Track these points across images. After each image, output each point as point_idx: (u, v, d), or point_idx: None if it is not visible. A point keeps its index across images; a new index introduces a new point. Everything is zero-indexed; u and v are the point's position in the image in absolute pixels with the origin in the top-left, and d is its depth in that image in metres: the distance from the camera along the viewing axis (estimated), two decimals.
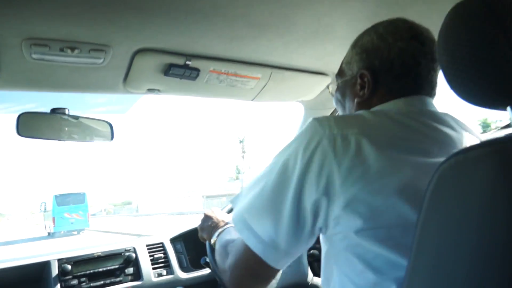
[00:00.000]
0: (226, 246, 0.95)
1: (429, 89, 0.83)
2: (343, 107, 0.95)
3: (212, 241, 1.12)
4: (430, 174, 0.56)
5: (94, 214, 39.68)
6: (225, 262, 0.88)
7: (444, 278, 0.51)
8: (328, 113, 1.85)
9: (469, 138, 0.79)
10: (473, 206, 0.49)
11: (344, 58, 0.93)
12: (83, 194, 21.63)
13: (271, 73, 1.40)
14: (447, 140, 0.74)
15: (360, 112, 0.78)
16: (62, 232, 20.56)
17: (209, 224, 1.21)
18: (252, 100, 1.61)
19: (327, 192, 0.68)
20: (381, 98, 0.83)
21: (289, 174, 0.71)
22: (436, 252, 0.53)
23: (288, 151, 0.73)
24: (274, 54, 1.29)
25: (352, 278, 0.70)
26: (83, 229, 20.99)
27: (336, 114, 1.86)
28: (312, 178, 0.69)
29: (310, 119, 0.75)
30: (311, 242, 0.76)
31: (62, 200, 20.55)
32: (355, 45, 0.89)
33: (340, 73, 0.94)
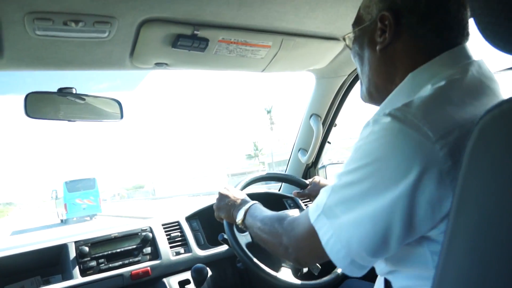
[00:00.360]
0: (272, 223, 0.92)
1: (461, 29, 0.74)
2: (362, 60, 0.86)
3: (238, 219, 1.11)
4: None
5: (105, 200, 40.01)
6: (280, 239, 0.86)
7: (487, 238, 0.48)
8: (340, 81, 1.81)
9: None
10: None
11: (362, 3, 0.85)
12: (93, 180, 21.70)
13: (282, 40, 1.36)
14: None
15: (428, 90, 0.68)
16: (75, 219, 20.73)
17: (226, 203, 1.20)
18: (263, 71, 1.57)
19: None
20: (406, 44, 0.76)
21: (397, 206, 0.62)
22: (478, 210, 0.50)
23: (384, 171, 0.63)
24: (285, 20, 1.24)
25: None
26: (96, 215, 21.14)
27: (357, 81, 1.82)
28: (429, 199, 0.61)
29: (383, 120, 0.65)
30: None
31: (72, 186, 20.69)
32: None
33: (358, 21, 0.86)
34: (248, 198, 1.18)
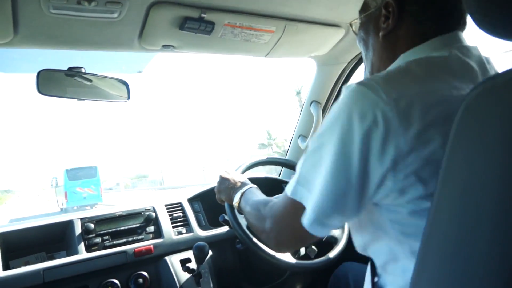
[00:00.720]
0: (258, 208, 0.96)
1: (459, 16, 0.80)
2: (366, 45, 0.91)
3: (235, 202, 1.15)
4: None
5: (110, 189, 38.56)
6: (263, 224, 0.89)
7: (471, 209, 0.51)
8: (341, 68, 1.85)
9: None
10: (503, 132, 0.48)
11: None
12: (95, 168, 21.27)
13: (285, 25, 1.39)
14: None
15: (402, 65, 0.74)
16: (75, 207, 20.05)
17: (227, 186, 1.23)
18: (266, 56, 1.60)
19: (395, 162, 0.65)
20: (408, 30, 0.80)
21: (349, 154, 0.68)
22: (463, 184, 0.53)
23: (342, 129, 0.69)
24: (289, 5, 1.28)
25: (411, 244, 0.70)
26: (96, 204, 20.49)
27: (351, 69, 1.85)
28: (376, 153, 0.66)
29: (352, 86, 0.70)
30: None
31: (73, 174, 20.30)
32: None
33: (364, 7, 0.91)
34: (247, 181, 1.21)
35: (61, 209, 21.10)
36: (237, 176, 1.26)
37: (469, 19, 0.81)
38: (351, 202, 0.70)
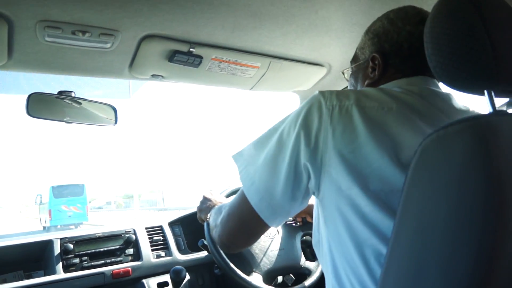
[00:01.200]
0: (220, 207, 1.02)
1: None
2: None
3: (208, 216, 1.19)
4: (411, 146, 0.62)
5: (99, 207, 37.29)
6: (218, 219, 0.96)
7: (425, 241, 0.57)
8: None
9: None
10: (451, 176, 0.55)
11: (358, 44, 0.99)
12: (82, 186, 20.55)
13: (270, 62, 1.46)
14: (439, 117, 0.78)
15: (363, 88, 0.86)
16: (59, 226, 19.48)
17: (207, 205, 1.27)
18: (251, 89, 1.67)
19: (322, 155, 0.74)
20: (389, 77, 0.89)
21: (289, 137, 0.78)
22: (418, 217, 0.60)
23: (292, 116, 0.79)
24: (274, 44, 1.36)
25: (344, 239, 0.75)
26: (81, 223, 19.91)
27: None
28: (308, 140, 0.75)
29: (317, 92, 0.81)
30: (304, 204, 0.83)
31: (59, 192, 19.58)
32: (368, 31, 0.95)
33: (354, 59, 1.01)
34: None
35: (44, 228, 20.41)
36: (218, 198, 1.31)
37: None
38: (283, 180, 0.78)
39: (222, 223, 0.93)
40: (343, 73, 1.13)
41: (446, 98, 0.85)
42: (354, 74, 1.01)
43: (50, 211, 19.21)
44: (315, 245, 0.90)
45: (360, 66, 0.97)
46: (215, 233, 0.97)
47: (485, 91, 0.62)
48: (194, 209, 1.54)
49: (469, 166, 0.53)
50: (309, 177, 0.78)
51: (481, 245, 0.51)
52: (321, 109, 0.76)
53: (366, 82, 0.94)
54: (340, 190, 0.74)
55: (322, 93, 0.79)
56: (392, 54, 0.89)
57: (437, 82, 0.88)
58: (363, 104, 0.76)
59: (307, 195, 0.81)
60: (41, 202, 22.00)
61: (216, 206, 1.15)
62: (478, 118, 0.55)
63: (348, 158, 0.72)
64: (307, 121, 0.76)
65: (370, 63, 0.92)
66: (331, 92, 0.79)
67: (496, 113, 0.59)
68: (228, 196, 1.49)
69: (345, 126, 0.73)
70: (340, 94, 0.78)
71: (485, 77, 0.60)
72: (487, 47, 0.59)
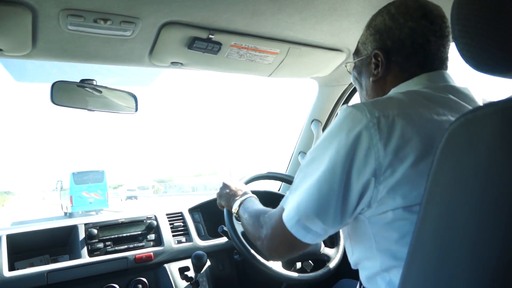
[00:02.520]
0: (257, 216, 1.01)
1: (440, 64, 0.88)
2: (360, 84, 1.01)
3: (234, 209, 1.20)
4: None
5: (133, 196, 35.87)
6: (260, 232, 0.95)
7: (450, 228, 0.57)
8: (341, 89, 1.90)
9: None
10: (480, 159, 0.54)
11: (360, 38, 0.99)
12: (102, 172, 20.63)
13: (289, 48, 1.46)
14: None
15: (391, 94, 0.84)
16: (81, 212, 19.77)
17: (228, 192, 1.29)
18: (269, 76, 1.67)
19: (375, 175, 0.72)
20: (395, 76, 0.89)
21: (334, 164, 0.75)
22: (445, 200, 0.59)
23: (332, 144, 0.77)
24: (293, 30, 1.35)
25: (392, 252, 0.76)
26: (102, 210, 20.15)
27: (349, 93, 1.91)
28: (359, 165, 0.73)
29: (343, 107, 0.79)
30: (347, 224, 0.83)
31: (80, 178, 19.76)
32: (369, 25, 0.94)
33: (357, 53, 1.00)
34: (248, 191, 1.27)
35: (65, 213, 20.80)
36: (239, 185, 1.32)
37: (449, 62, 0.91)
38: (332, 208, 0.76)
39: (267, 240, 0.92)
40: (345, 66, 1.13)
41: (466, 92, 0.85)
42: (357, 68, 1.01)
43: (71, 198, 19.46)
44: (354, 261, 0.90)
45: (363, 61, 0.97)
46: (259, 244, 0.96)
47: None
48: (214, 196, 1.55)
49: (498, 149, 0.52)
50: (359, 201, 0.76)
51: (508, 229, 0.51)
52: (364, 125, 0.74)
53: (371, 79, 0.94)
54: (392, 206, 0.74)
55: (355, 107, 0.77)
56: (395, 51, 0.88)
57: (450, 75, 0.88)
58: (409, 112, 0.75)
59: (352, 217, 0.80)
60: (61, 188, 22.37)
61: (244, 204, 1.18)
62: (508, 101, 0.54)
63: (407, 175, 0.72)
64: (349, 144, 0.74)
65: (373, 60, 0.92)
66: (363, 104, 0.77)
67: None
68: (247, 182, 1.50)
69: (398, 140, 0.72)
70: (378, 104, 0.76)
71: None
72: None
